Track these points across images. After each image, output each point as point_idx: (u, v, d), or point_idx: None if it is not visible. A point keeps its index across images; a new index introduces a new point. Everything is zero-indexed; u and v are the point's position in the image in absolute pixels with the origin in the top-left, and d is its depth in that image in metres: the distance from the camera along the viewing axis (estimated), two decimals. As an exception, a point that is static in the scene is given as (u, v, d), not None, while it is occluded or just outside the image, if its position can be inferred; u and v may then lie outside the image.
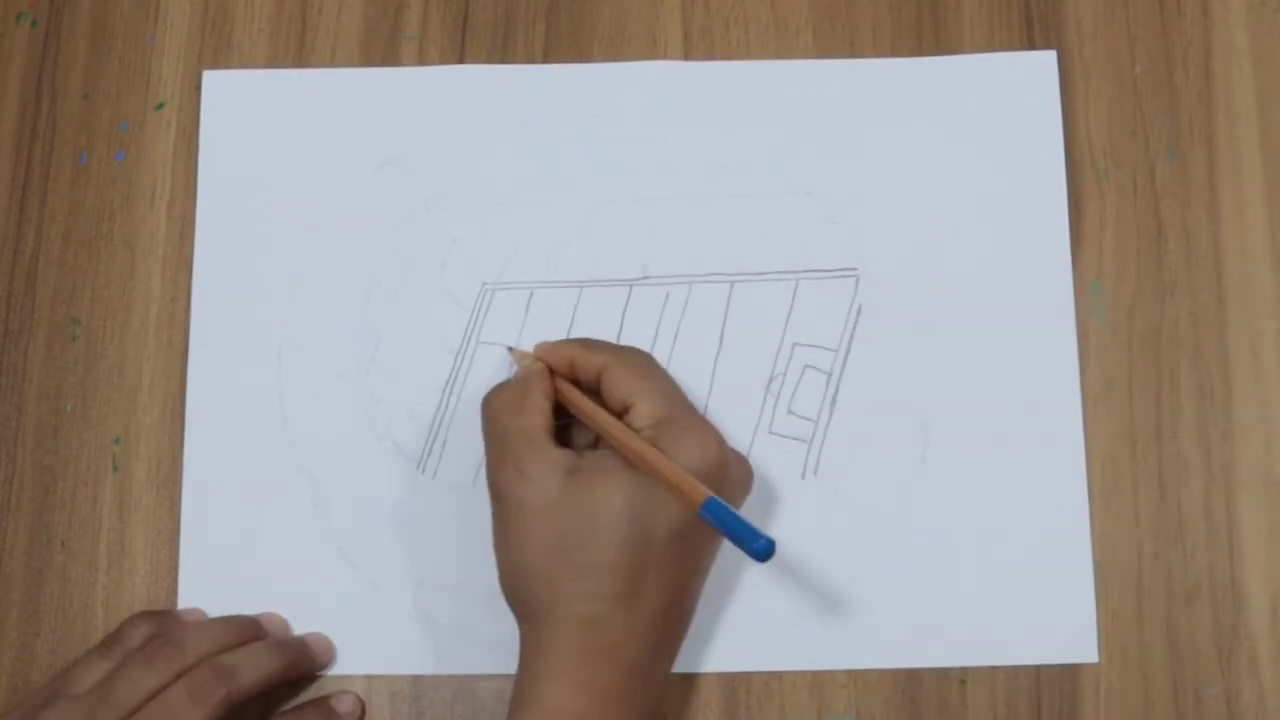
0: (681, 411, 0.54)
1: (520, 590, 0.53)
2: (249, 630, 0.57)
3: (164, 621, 0.57)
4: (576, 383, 0.56)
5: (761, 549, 0.48)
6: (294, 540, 0.60)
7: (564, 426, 0.57)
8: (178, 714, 0.53)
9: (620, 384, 0.54)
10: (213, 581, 0.59)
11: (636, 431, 0.53)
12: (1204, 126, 0.63)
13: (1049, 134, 0.62)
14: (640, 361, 0.55)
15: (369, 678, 0.59)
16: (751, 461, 0.59)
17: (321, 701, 0.57)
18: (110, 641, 0.56)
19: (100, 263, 0.62)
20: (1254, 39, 0.63)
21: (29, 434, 0.61)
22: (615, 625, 0.51)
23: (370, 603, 0.59)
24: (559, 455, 0.53)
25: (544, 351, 0.58)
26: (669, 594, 0.53)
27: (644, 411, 0.53)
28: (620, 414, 0.54)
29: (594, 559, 0.51)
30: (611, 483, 0.52)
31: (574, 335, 0.60)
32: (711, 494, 0.49)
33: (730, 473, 0.54)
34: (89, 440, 0.61)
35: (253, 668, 0.55)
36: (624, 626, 0.51)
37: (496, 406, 0.55)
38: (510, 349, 0.60)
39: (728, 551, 0.58)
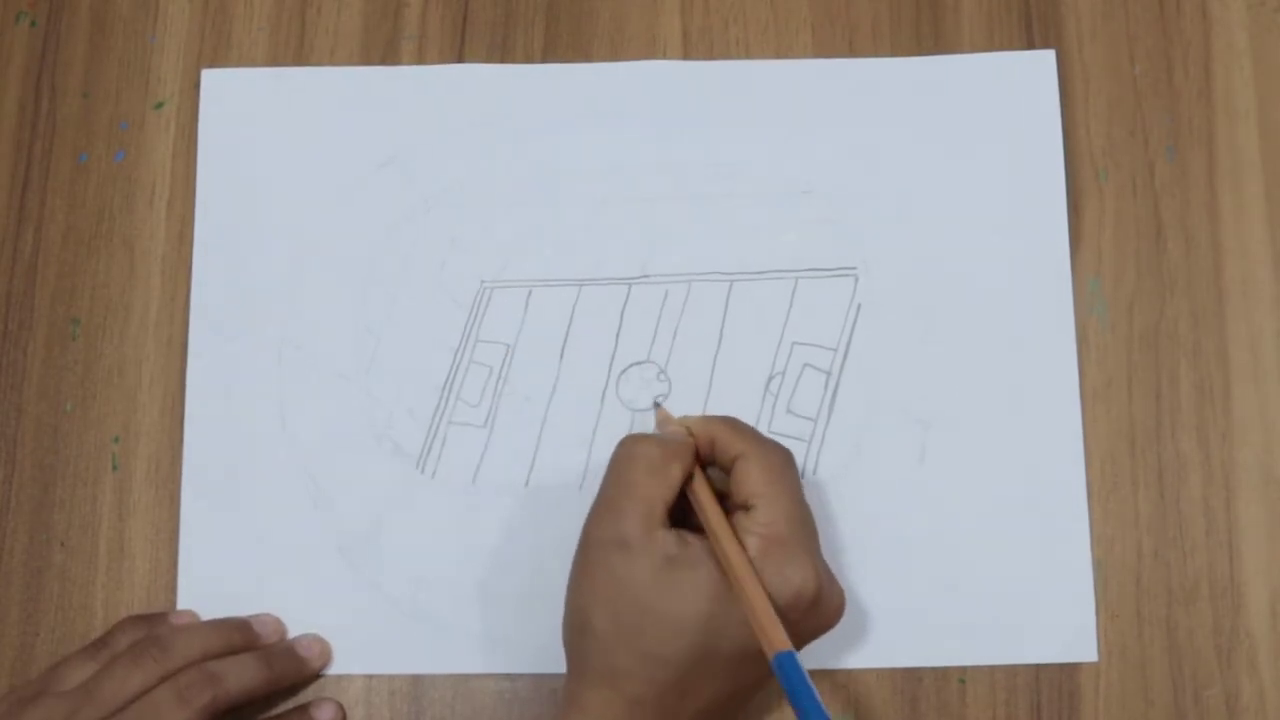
0: (795, 533, 0.52)
1: (578, 645, 0.52)
2: (237, 633, 0.57)
3: (153, 625, 0.57)
4: (710, 460, 0.55)
5: None
6: (294, 540, 0.60)
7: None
8: (163, 713, 0.53)
9: (749, 481, 0.53)
10: (212, 581, 0.59)
11: (748, 535, 0.52)
12: (1203, 126, 0.63)
13: (1048, 133, 0.62)
14: (777, 463, 0.53)
15: (369, 677, 0.59)
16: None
17: (303, 709, 0.57)
18: (98, 644, 0.56)
19: (100, 262, 0.62)
20: (1254, 39, 0.63)
21: (28, 433, 0.61)
22: (656, 714, 0.51)
23: (370, 602, 0.59)
24: (664, 538, 0.51)
25: (691, 421, 0.56)
26: (716, 703, 0.52)
27: (760, 520, 0.52)
28: (738, 509, 0.53)
29: (658, 650, 0.50)
30: (702, 583, 0.51)
31: (572, 331, 0.60)
32: (790, 649, 0.49)
33: (819, 608, 0.52)
34: (88, 440, 0.61)
35: (240, 676, 0.55)
36: (663, 716, 0.51)
37: (637, 456, 0.53)
38: (657, 406, 0.59)
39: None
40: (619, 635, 0.51)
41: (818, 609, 0.52)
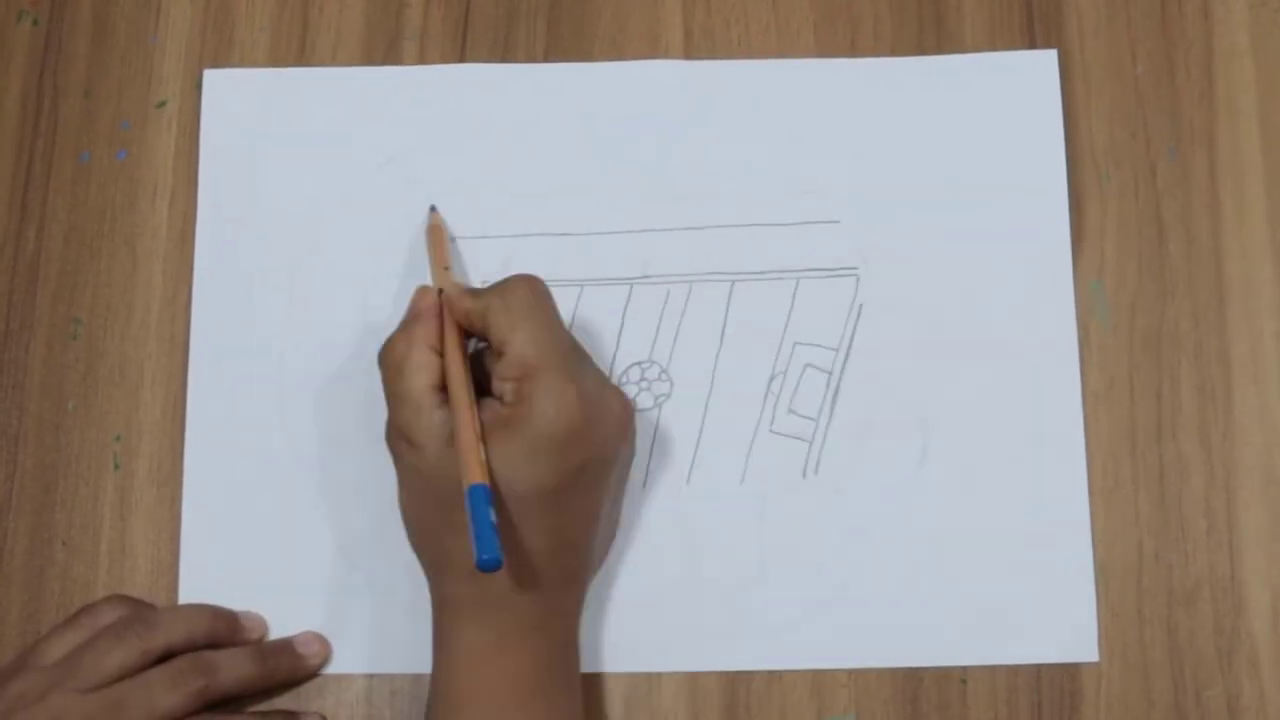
0: (546, 363, 0.53)
1: (419, 548, 0.56)
2: (221, 622, 0.58)
3: (138, 604, 0.58)
4: (475, 329, 0.56)
5: (482, 563, 0.49)
6: (294, 539, 0.60)
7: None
8: (155, 694, 0.54)
9: (498, 328, 0.54)
10: (213, 580, 0.59)
11: (504, 383, 0.53)
12: (1205, 126, 0.63)
13: (1050, 133, 0.62)
14: (518, 302, 0.54)
15: (370, 676, 0.59)
16: (752, 460, 0.59)
17: (290, 715, 0.58)
18: (82, 615, 0.57)
19: (101, 261, 0.62)
20: (1255, 39, 0.63)
21: (30, 432, 0.61)
22: (497, 576, 0.52)
23: (370, 602, 0.59)
24: (441, 418, 0.53)
25: (443, 291, 0.57)
26: (549, 542, 0.53)
27: (510, 365, 0.53)
28: (498, 357, 0.54)
29: (466, 518, 0.51)
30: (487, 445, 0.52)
31: (573, 330, 0.60)
32: (480, 483, 0.50)
33: (598, 425, 0.54)
34: (90, 438, 0.61)
35: (233, 668, 0.56)
36: (507, 576, 0.53)
37: (385, 365, 0.55)
38: (432, 209, 0.60)
39: (726, 552, 0.58)
40: (437, 521, 0.54)
41: (597, 426, 0.53)
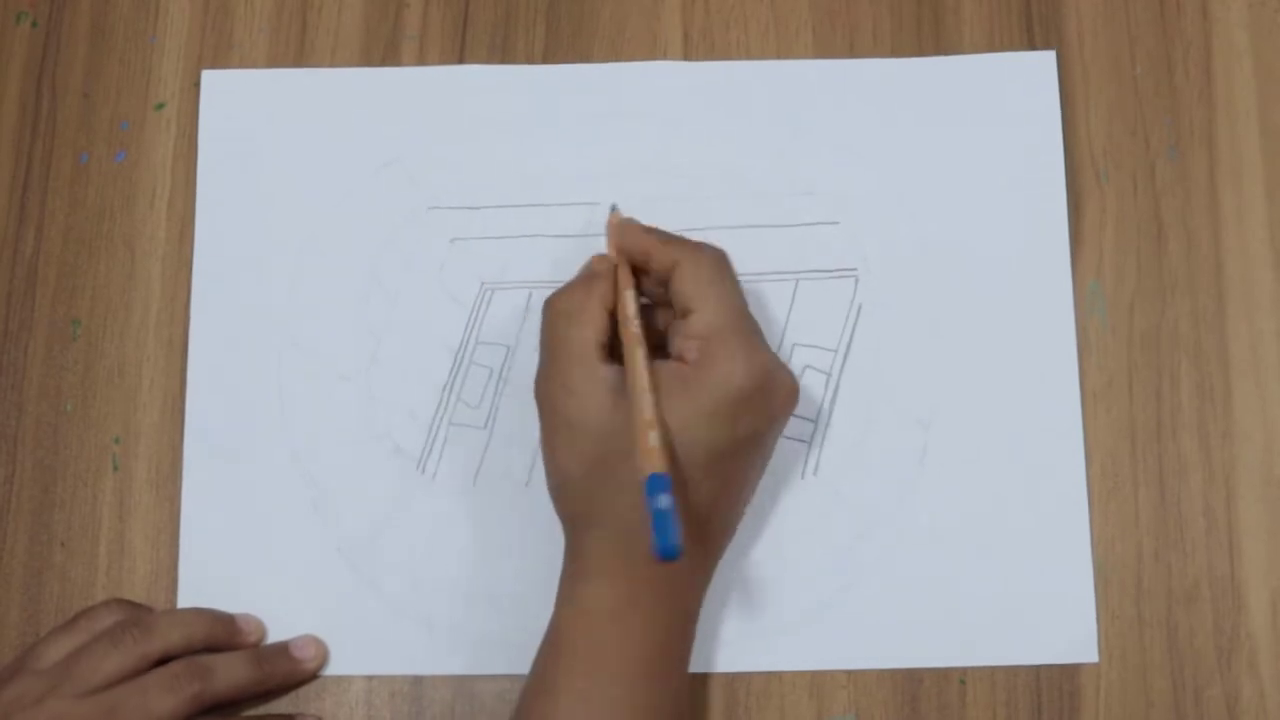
0: (734, 333, 0.53)
1: (564, 501, 0.55)
2: (219, 625, 0.58)
3: (136, 608, 0.58)
4: (647, 272, 0.56)
5: (661, 551, 0.48)
6: (294, 540, 0.60)
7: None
8: (151, 698, 0.54)
9: (685, 287, 0.54)
10: (212, 581, 0.59)
11: (689, 340, 0.53)
12: (1204, 126, 0.63)
13: (1049, 134, 0.62)
14: (709, 263, 0.55)
15: (369, 678, 0.59)
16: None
17: (286, 718, 0.58)
18: (79, 619, 0.57)
19: (100, 262, 0.62)
20: (1254, 39, 0.63)
21: (29, 434, 0.61)
22: (643, 539, 0.51)
23: (370, 603, 0.59)
24: (606, 373, 0.53)
25: (624, 236, 0.57)
26: (704, 509, 0.53)
27: (699, 324, 0.53)
28: (680, 316, 0.54)
29: (632, 476, 0.51)
30: None
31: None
32: (659, 472, 0.50)
33: (769, 395, 0.54)
34: (89, 440, 0.61)
35: (230, 673, 0.56)
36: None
37: (556, 312, 0.55)
38: (614, 208, 0.60)
39: (725, 552, 0.58)
40: (594, 476, 0.53)
41: (772, 396, 0.54)
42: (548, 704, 0.52)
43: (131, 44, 0.64)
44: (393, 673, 0.59)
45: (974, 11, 0.64)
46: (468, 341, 0.61)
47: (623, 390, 0.53)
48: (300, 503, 0.60)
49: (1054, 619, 0.58)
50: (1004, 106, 0.63)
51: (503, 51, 0.64)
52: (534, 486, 0.60)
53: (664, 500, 0.49)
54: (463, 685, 0.58)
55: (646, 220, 0.62)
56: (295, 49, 0.64)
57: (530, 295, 0.62)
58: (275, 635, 0.59)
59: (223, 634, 0.57)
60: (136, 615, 0.57)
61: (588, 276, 0.56)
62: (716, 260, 0.55)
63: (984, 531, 0.59)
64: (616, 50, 0.64)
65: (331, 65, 0.64)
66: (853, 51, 0.64)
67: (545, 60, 0.64)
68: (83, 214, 0.63)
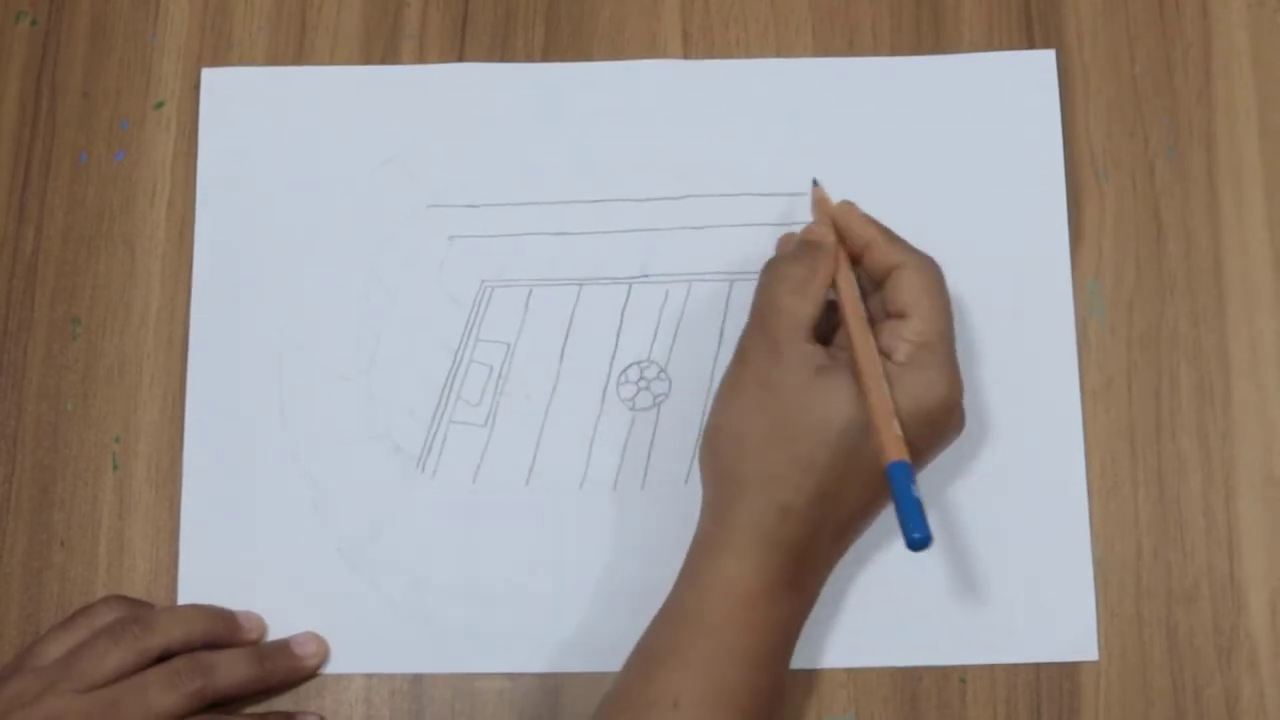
0: (943, 346, 0.54)
1: (729, 457, 0.54)
2: (220, 622, 0.58)
3: (136, 605, 0.58)
4: (859, 258, 0.56)
5: (915, 541, 0.49)
6: (294, 539, 0.60)
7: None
8: (151, 694, 0.54)
9: (906, 291, 0.54)
10: (212, 580, 0.59)
11: (900, 341, 0.53)
12: (1203, 126, 0.63)
13: (1048, 133, 0.62)
14: (933, 275, 0.55)
15: (369, 676, 0.59)
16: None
17: (287, 716, 0.58)
18: (79, 616, 0.57)
19: (100, 261, 0.62)
20: (1254, 39, 0.63)
21: (29, 433, 0.61)
22: (805, 521, 0.52)
23: (370, 602, 0.59)
24: (813, 351, 0.53)
25: (846, 219, 0.56)
26: (859, 507, 0.54)
27: (915, 329, 0.53)
28: (892, 316, 0.54)
29: (809, 454, 0.52)
30: (851, 393, 0.52)
31: (571, 329, 0.60)
32: (904, 459, 0.50)
33: (955, 416, 0.54)
34: (89, 439, 0.61)
35: (231, 670, 0.56)
36: (812, 524, 0.52)
37: (778, 278, 0.55)
38: (815, 183, 0.59)
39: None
40: (772, 442, 0.52)
41: (954, 416, 0.54)
42: (674, 674, 0.51)
43: (131, 43, 0.64)
44: (392, 671, 0.59)
45: (973, 10, 0.64)
46: (467, 339, 0.61)
47: (823, 369, 0.53)
48: (300, 502, 0.60)
49: (1054, 618, 0.58)
50: (1003, 106, 0.63)
51: (502, 50, 0.64)
52: (534, 485, 0.60)
53: (915, 489, 0.49)
54: (462, 684, 0.58)
55: (646, 218, 0.62)
56: (295, 48, 0.64)
57: (530, 293, 0.62)
58: (275, 634, 0.59)
59: (223, 631, 0.57)
60: (136, 612, 0.57)
61: (811, 247, 0.56)
62: (939, 271, 0.55)
63: (984, 531, 0.59)
64: (616, 49, 0.64)
65: (331, 64, 0.64)
66: (852, 50, 0.64)
67: (545, 59, 0.64)
68: (82, 213, 0.63)
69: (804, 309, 0.54)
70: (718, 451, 0.54)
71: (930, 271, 0.55)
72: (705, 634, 0.52)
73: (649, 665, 0.52)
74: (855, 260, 0.56)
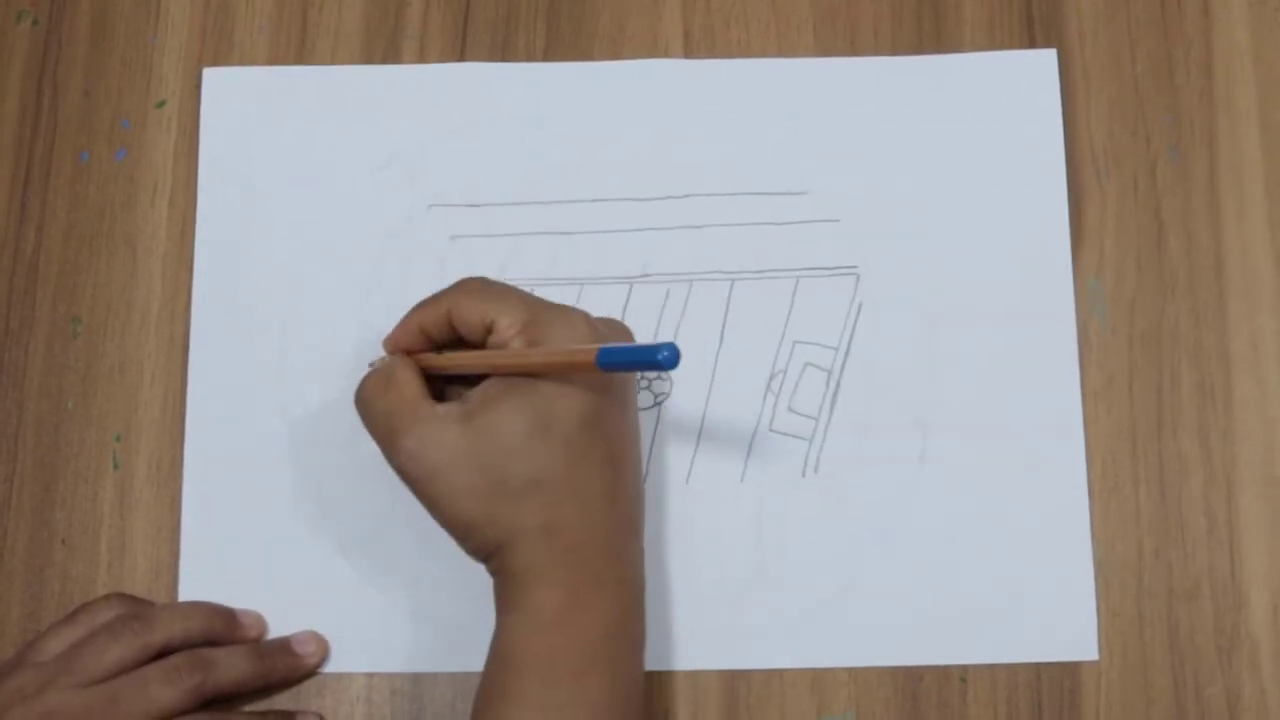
0: (541, 308, 0.54)
1: (476, 542, 0.53)
2: (219, 619, 0.58)
3: (137, 602, 0.58)
4: (453, 338, 0.56)
5: (666, 358, 0.47)
6: (295, 539, 0.60)
7: (440, 393, 0.56)
8: (151, 690, 0.54)
9: (472, 313, 0.54)
10: (213, 579, 0.59)
11: (512, 338, 0.53)
12: (1205, 125, 0.63)
13: (1049, 133, 0.62)
14: (477, 286, 0.55)
15: (369, 675, 0.59)
16: (752, 459, 0.59)
17: (287, 715, 0.58)
18: (80, 613, 0.57)
19: (101, 260, 0.62)
20: (1255, 38, 0.63)
21: (30, 431, 0.61)
22: (569, 525, 0.52)
23: (370, 601, 0.59)
24: (445, 410, 0.53)
25: (394, 339, 0.57)
26: (607, 478, 0.53)
27: (505, 322, 0.53)
28: (485, 337, 0.54)
29: (523, 480, 0.51)
30: (506, 407, 0.52)
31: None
32: (598, 346, 0.50)
33: (608, 341, 0.54)
34: (90, 438, 0.61)
35: (231, 666, 0.56)
36: (577, 523, 0.52)
37: (367, 393, 0.55)
38: (370, 364, 0.58)
39: (726, 551, 0.58)
40: (490, 502, 0.52)
41: (605, 342, 0.53)
42: (501, 711, 0.51)
43: (132, 42, 0.64)
44: (393, 670, 0.59)
45: (974, 10, 0.64)
46: (468, 340, 0.61)
47: (469, 413, 0.52)
48: (300, 501, 0.60)
49: (1054, 617, 0.58)
50: (1004, 105, 0.63)
51: (503, 50, 0.64)
52: (534, 484, 0.60)
53: (620, 349, 0.50)
54: (463, 683, 0.58)
55: (646, 218, 0.62)
56: (295, 48, 0.64)
57: (530, 293, 0.61)
58: (276, 632, 0.59)
59: (223, 628, 0.57)
60: (137, 608, 0.57)
61: (380, 362, 0.57)
62: (480, 280, 0.56)
63: (984, 529, 0.59)
64: (617, 48, 0.64)
65: (332, 64, 0.64)
66: (853, 50, 0.64)
67: (546, 58, 0.64)
68: (84, 212, 0.63)
69: (403, 392, 0.54)
70: (469, 548, 0.54)
71: (471, 285, 0.55)
72: (524, 667, 0.52)
73: (484, 707, 0.52)
74: (451, 344, 0.56)
